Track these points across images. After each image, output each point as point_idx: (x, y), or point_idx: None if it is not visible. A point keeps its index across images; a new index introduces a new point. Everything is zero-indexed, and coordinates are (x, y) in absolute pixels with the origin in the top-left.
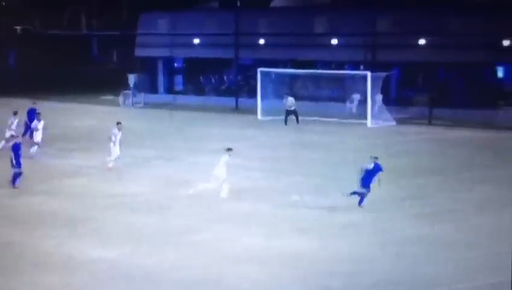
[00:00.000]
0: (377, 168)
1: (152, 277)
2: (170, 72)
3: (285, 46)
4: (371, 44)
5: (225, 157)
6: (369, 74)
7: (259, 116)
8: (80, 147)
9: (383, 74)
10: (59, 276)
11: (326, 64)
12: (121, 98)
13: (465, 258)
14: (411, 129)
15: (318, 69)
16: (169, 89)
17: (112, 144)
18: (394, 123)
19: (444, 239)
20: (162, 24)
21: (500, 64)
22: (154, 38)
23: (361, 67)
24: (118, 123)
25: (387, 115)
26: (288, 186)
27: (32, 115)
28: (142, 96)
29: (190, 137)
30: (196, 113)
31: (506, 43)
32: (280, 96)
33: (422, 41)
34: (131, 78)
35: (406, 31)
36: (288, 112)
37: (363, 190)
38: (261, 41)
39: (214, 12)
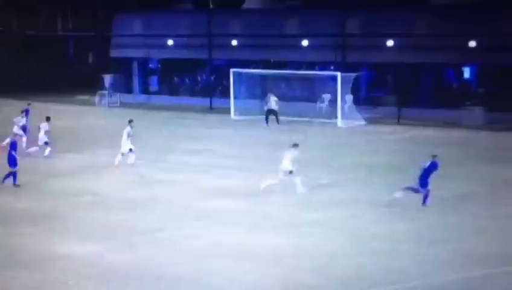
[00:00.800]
0: (433, 166)
1: (131, 273)
2: (145, 73)
3: (257, 47)
4: (341, 45)
5: (292, 152)
6: (339, 74)
7: (232, 115)
8: (55, 146)
9: (353, 75)
10: (31, 272)
11: (298, 65)
12: (96, 98)
13: (433, 253)
14: (380, 128)
15: (289, 69)
16: (145, 90)
17: (124, 140)
18: (364, 123)
19: (413, 235)
20: (137, 25)
21: (465, 66)
22: (129, 39)
23: (332, 67)
24: (130, 121)
25: (357, 114)
26: (257, 185)
27: (25, 115)
28: (117, 97)
29: (165, 136)
30: (171, 113)
31: (472, 44)
32: (253, 96)
33: (390, 43)
34: (107, 79)
35: (375, 32)
36: (269, 111)
37: (421, 190)
38: (234, 42)
39: (187, 14)
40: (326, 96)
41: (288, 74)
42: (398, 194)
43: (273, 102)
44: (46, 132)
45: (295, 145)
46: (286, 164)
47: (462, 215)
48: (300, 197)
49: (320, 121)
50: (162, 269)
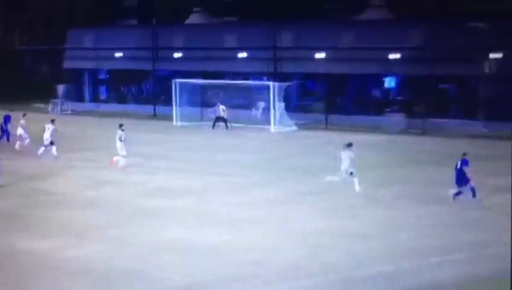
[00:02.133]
0: (465, 163)
1: (84, 267)
2: (95, 83)
3: (198, 59)
4: (273, 57)
5: (348, 152)
6: (272, 84)
7: (175, 122)
8: (12, 149)
9: (285, 84)
10: None
11: (235, 75)
12: (50, 106)
13: (365, 247)
14: (310, 133)
15: (227, 79)
16: (94, 98)
17: (119, 143)
18: (295, 128)
19: (346, 231)
20: (88, 39)
21: (386, 76)
22: (80, 52)
23: (265, 78)
24: (121, 125)
25: (288, 120)
26: (203, 185)
27: (7, 120)
28: (69, 105)
29: (114, 141)
30: (118, 119)
31: (392, 56)
32: (194, 104)
33: (318, 55)
34: (60, 88)
35: (305, 45)
36: (218, 118)
37: (465, 189)
38: (176, 54)
39: (133, 29)
40: (261, 104)
41: (226, 83)
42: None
43: (221, 110)
44: (52, 133)
45: (349, 145)
46: (346, 164)
47: (392, 212)
48: (241, 196)
49: (256, 127)
50: (113, 262)
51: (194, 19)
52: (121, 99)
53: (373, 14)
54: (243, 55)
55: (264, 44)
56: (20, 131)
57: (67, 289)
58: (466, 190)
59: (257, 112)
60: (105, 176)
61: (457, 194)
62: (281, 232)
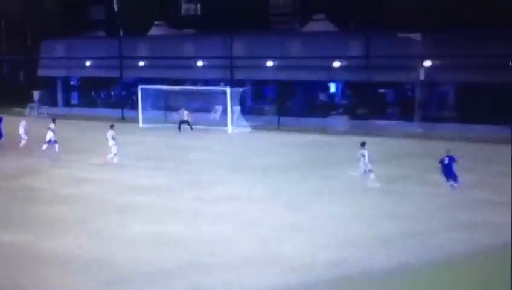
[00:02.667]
0: (452, 160)
1: (61, 257)
2: (67, 89)
3: (160, 67)
4: (229, 65)
5: (362, 151)
6: (228, 89)
7: (140, 124)
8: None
9: (240, 89)
10: None
11: (194, 82)
12: (27, 110)
13: (314, 238)
14: (263, 134)
15: (187, 85)
16: (67, 103)
17: (111, 142)
18: (250, 129)
19: (298, 224)
20: (60, 49)
21: (331, 82)
22: (54, 61)
23: (222, 84)
24: (112, 126)
25: (244, 122)
26: (171, 182)
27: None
28: (45, 109)
29: (86, 142)
30: (89, 122)
31: (336, 64)
32: (158, 108)
33: (270, 63)
34: (36, 94)
35: (258, 54)
36: (182, 122)
37: (453, 181)
38: (141, 63)
39: (101, 40)
40: (218, 108)
41: (186, 89)
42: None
43: (185, 115)
44: (54, 132)
45: (363, 144)
46: (364, 162)
47: (342, 207)
48: (205, 192)
49: (214, 128)
50: (87, 253)
51: (155, 31)
52: (91, 104)
53: (316, 26)
54: (201, 63)
55: (220, 53)
56: (21, 130)
57: (46, 277)
58: (452, 182)
59: (215, 115)
60: (82, 174)
61: (452, 185)
62: (238, 225)
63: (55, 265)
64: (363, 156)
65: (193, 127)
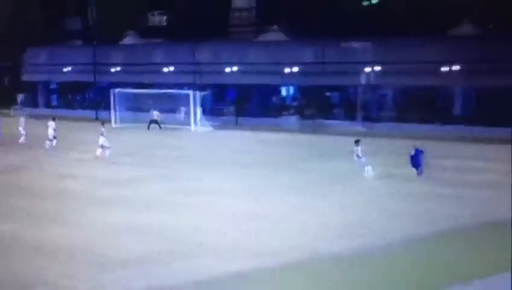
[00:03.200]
0: (419, 152)
1: (46, 246)
2: (47, 92)
3: (131, 72)
4: (193, 71)
5: (356, 148)
6: (191, 92)
7: (113, 124)
8: None
9: (202, 93)
10: None
11: (162, 85)
12: (12, 111)
13: (271, 228)
14: (223, 132)
15: (156, 89)
16: (47, 104)
17: (102, 139)
18: (211, 128)
19: (252, 213)
20: (41, 57)
21: (283, 86)
22: (36, 67)
23: (186, 87)
24: (103, 123)
25: (206, 122)
26: (144, 176)
27: None
28: (28, 110)
29: (65, 140)
30: (66, 122)
31: (288, 70)
32: (129, 109)
33: (229, 69)
34: (20, 97)
35: (218, 61)
36: (152, 121)
37: (418, 169)
38: (114, 69)
39: (78, 48)
40: (183, 109)
41: (155, 92)
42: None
43: (155, 115)
44: (54, 129)
45: (357, 141)
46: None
47: (297, 198)
48: (174, 185)
49: (180, 127)
50: (70, 241)
51: (127, 40)
52: (69, 106)
53: (271, 36)
54: (168, 69)
55: (185, 60)
56: (20, 128)
57: (32, 264)
58: (419, 171)
59: (180, 115)
60: (64, 170)
61: (419, 172)
62: (211, 215)
63: (42, 253)
64: (359, 152)
65: (161, 126)
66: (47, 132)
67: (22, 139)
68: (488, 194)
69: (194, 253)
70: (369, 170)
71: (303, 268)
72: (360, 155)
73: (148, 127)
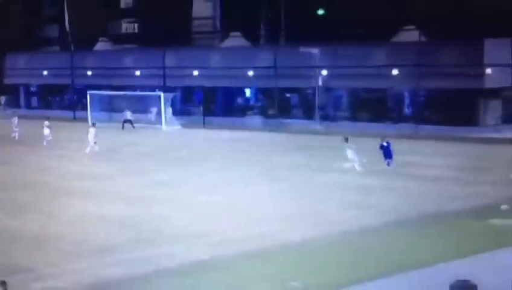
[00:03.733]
0: (389, 144)
1: (20, 234)
2: (28, 94)
3: (105, 76)
4: (162, 74)
5: (348, 145)
6: (162, 94)
7: (90, 123)
8: None
9: (171, 94)
10: None
11: (133, 88)
12: None
13: (233, 215)
14: (191, 131)
15: (128, 91)
16: (28, 105)
17: (90, 136)
18: (180, 127)
19: (216, 204)
20: (22, 61)
21: (247, 88)
22: (17, 71)
23: (157, 89)
24: (94, 124)
25: (175, 121)
26: (113, 170)
27: None
28: (11, 110)
29: (44, 138)
30: (48, 121)
31: (250, 73)
32: (103, 110)
33: (195, 72)
34: (2, 99)
35: (185, 65)
36: (126, 121)
37: (389, 160)
38: (89, 72)
39: (56, 53)
40: (154, 109)
41: (127, 94)
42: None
43: (128, 115)
44: (48, 128)
45: (346, 139)
46: (350, 154)
47: (255, 189)
48: (141, 179)
49: (151, 126)
50: (42, 230)
51: (101, 46)
52: (48, 106)
53: (233, 42)
54: (139, 72)
55: (155, 64)
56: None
57: (8, 251)
58: (390, 161)
59: (151, 115)
60: (39, 164)
61: (388, 164)
62: (173, 207)
63: (15, 240)
64: (350, 149)
65: (134, 125)
66: (43, 132)
67: (15, 136)
68: (430, 186)
69: (160, 242)
70: (356, 166)
71: (262, 255)
72: (351, 152)
73: (123, 127)
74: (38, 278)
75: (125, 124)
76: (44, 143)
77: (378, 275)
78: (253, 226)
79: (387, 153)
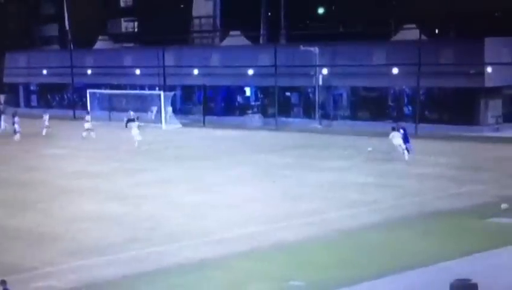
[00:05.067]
0: (405, 129)
1: (20, 232)
2: (28, 93)
3: (105, 75)
4: (162, 73)
5: (395, 133)
6: (162, 93)
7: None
8: None
9: (171, 93)
10: None
11: (133, 86)
12: None
13: (228, 215)
14: (191, 130)
15: (128, 90)
16: (28, 104)
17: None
18: (180, 126)
19: (213, 202)
20: (21, 60)
21: (247, 87)
22: (16, 70)
23: (157, 88)
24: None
25: (175, 120)
26: (111, 169)
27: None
28: (10, 109)
29: (44, 136)
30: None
31: (250, 72)
32: (103, 108)
33: (196, 71)
34: (2, 97)
35: (185, 64)
36: (129, 120)
37: (408, 144)
38: (89, 71)
39: (56, 52)
40: (154, 108)
41: (127, 93)
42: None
43: (131, 114)
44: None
45: (393, 128)
46: (398, 140)
47: (249, 188)
48: (136, 178)
49: (151, 125)
50: (42, 228)
51: (100, 44)
52: (48, 105)
53: (233, 41)
54: (138, 71)
55: (154, 63)
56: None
57: (9, 249)
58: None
59: (151, 114)
60: (37, 163)
61: (406, 149)
62: (167, 205)
63: (16, 239)
64: (398, 136)
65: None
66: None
67: (17, 136)
68: (430, 185)
69: (155, 241)
70: (405, 154)
71: (259, 254)
72: (397, 140)
73: (126, 125)
74: (37, 277)
75: (129, 123)
76: (44, 133)
77: (378, 274)
78: (248, 225)
79: (405, 139)
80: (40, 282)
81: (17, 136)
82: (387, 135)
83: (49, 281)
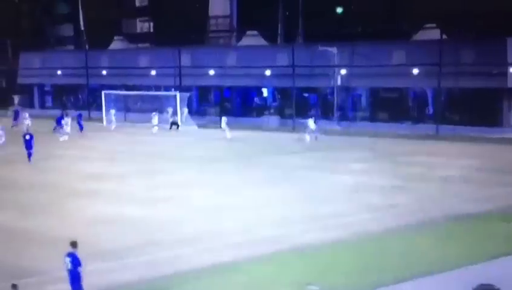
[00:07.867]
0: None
1: (33, 235)
2: (42, 94)
3: (120, 75)
4: (178, 73)
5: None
6: (178, 94)
7: (104, 123)
8: None
9: (187, 94)
10: None
11: (149, 87)
12: (9, 112)
13: (245, 217)
14: (207, 131)
15: (143, 91)
16: (42, 105)
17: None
18: (196, 127)
19: (231, 205)
20: (36, 61)
21: (264, 87)
22: (31, 71)
23: (173, 89)
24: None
25: (191, 121)
26: (126, 171)
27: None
28: (24, 110)
29: (56, 139)
30: None
31: (267, 73)
32: (118, 109)
33: (212, 72)
34: (16, 98)
35: (201, 64)
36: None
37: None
38: (104, 72)
39: (71, 52)
40: (170, 109)
41: (142, 94)
42: None
43: (169, 116)
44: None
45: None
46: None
47: (265, 191)
48: (153, 180)
49: (167, 126)
50: (56, 231)
51: (116, 45)
52: (63, 106)
53: (250, 41)
54: (154, 72)
55: (170, 64)
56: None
57: (21, 251)
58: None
59: (167, 115)
60: (49, 165)
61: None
62: (184, 208)
63: (30, 242)
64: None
65: (149, 125)
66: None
67: (64, 137)
68: (453, 188)
69: (172, 245)
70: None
71: (277, 258)
72: None
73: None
74: (50, 281)
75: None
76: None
77: (399, 279)
78: (269, 228)
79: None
80: (53, 286)
81: (64, 137)
82: (408, 137)
83: (62, 286)
